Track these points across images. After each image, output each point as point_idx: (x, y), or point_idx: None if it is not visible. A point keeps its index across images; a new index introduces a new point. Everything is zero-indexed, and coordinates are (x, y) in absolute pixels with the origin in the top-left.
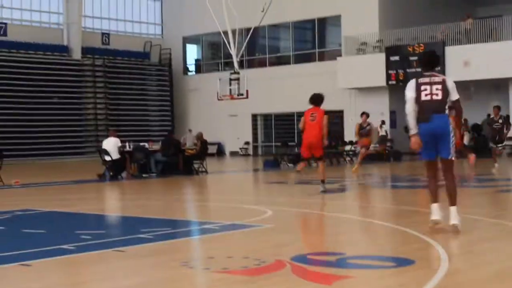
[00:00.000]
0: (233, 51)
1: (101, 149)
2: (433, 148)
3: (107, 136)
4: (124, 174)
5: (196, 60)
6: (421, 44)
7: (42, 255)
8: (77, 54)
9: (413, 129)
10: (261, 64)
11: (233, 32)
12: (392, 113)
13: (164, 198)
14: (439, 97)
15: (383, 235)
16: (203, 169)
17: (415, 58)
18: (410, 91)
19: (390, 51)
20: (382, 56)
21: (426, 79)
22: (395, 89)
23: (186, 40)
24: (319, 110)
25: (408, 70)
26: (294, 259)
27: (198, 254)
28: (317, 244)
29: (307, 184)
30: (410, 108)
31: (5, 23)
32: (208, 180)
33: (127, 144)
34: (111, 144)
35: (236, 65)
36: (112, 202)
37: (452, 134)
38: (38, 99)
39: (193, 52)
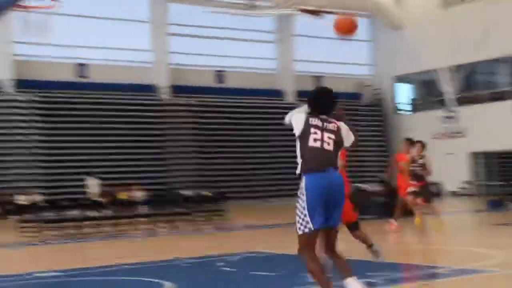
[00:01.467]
0: (447, 89)
1: None
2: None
3: None
4: None
5: (409, 99)
6: None
7: None
8: (290, 98)
9: None
10: (478, 100)
11: (449, 69)
12: None
13: (385, 240)
14: (331, 147)
15: None
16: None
17: None
18: (297, 125)
19: None
20: None
21: (319, 122)
22: None
23: (398, 79)
24: None
25: None
26: None
27: None
28: None
29: None
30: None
31: (223, 71)
32: (428, 222)
33: None
34: None
35: (451, 102)
36: (341, 243)
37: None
38: (256, 142)
39: (405, 91)
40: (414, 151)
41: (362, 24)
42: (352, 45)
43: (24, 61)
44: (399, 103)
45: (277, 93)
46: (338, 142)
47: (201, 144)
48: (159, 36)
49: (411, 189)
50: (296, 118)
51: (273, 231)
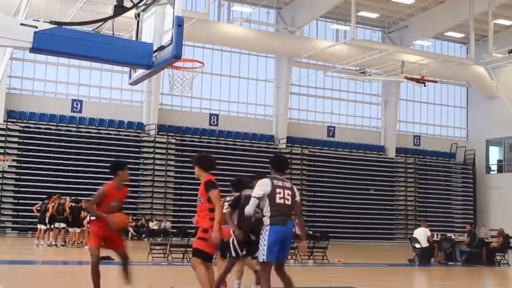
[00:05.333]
0: None
1: (412, 237)
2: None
3: (416, 226)
4: (432, 261)
5: (498, 161)
6: None
7: None
8: (391, 153)
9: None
10: None
11: None
12: None
13: (467, 285)
14: (289, 202)
15: None
16: (505, 262)
17: None
18: (263, 189)
19: None
20: None
21: (280, 182)
22: None
23: (489, 142)
24: None
25: None
26: None
27: None
28: None
29: None
30: (253, 208)
31: (334, 127)
32: (509, 273)
33: (435, 234)
34: (421, 233)
35: None
36: (423, 286)
37: None
38: (358, 190)
39: (495, 153)
40: None
41: (459, 92)
42: (449, 110)
43: (165, 109)
44: (490, 164)
45: (380, 148)
46: (293, 197)
47: (310, 189)
48: (281, 94)
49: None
50: (263, 185)
51: (365, 269)
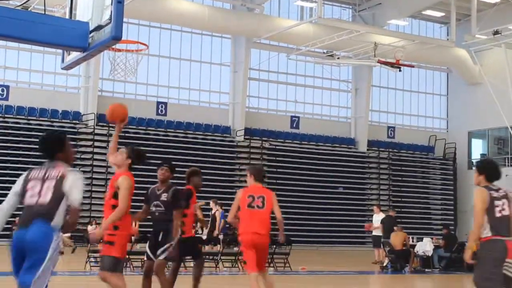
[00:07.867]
0: None
1: (385, 241)
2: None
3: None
4: (406, 268)
5: (482, 155)
6: None
7: None
8: (363, 147)
9: None
10: None
11: None
12: None
13: None
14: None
15: None
16: None
17: None
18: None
19: None
20: None
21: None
22: None
23: (472, 134)
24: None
25: None
26: None
27: None
28: None
29: None
30: None
31: (298, 117)
32: None
33: (410, 237)
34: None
35: None
36: None
37: None
38: (325, 188)
39: (478, 147)
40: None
41: (439, 78)
42: (427, 98)
43: (105, 97)
44: (471, 159)
45: (350, 141)
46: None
47: (270, 187)
48: (239, 79)
49: None
50: None
51: (332, 277)
